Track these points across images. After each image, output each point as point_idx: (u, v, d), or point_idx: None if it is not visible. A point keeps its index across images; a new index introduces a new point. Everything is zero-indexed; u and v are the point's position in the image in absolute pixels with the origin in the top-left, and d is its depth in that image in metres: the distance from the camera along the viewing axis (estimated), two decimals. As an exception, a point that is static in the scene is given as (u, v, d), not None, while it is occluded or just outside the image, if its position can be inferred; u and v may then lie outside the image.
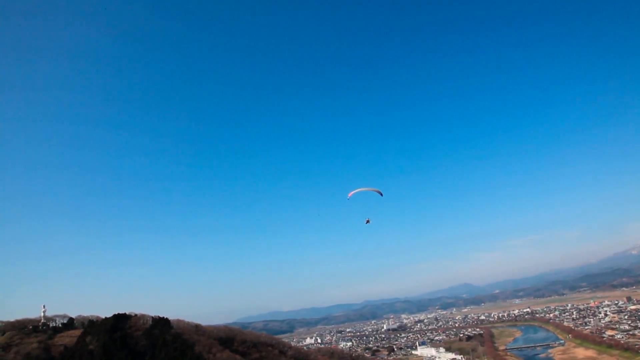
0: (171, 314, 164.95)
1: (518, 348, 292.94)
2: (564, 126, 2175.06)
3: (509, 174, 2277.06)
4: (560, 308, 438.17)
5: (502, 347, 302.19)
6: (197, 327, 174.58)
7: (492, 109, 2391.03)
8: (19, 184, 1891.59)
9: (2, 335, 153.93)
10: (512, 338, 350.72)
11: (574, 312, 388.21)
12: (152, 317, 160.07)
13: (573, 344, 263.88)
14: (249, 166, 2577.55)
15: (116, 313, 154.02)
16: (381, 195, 75.60)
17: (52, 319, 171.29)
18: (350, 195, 74.22)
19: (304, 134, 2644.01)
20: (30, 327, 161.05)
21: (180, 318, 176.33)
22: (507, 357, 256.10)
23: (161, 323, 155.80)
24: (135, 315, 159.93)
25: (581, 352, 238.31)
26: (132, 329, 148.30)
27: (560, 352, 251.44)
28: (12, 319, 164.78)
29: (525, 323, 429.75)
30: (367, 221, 78.66)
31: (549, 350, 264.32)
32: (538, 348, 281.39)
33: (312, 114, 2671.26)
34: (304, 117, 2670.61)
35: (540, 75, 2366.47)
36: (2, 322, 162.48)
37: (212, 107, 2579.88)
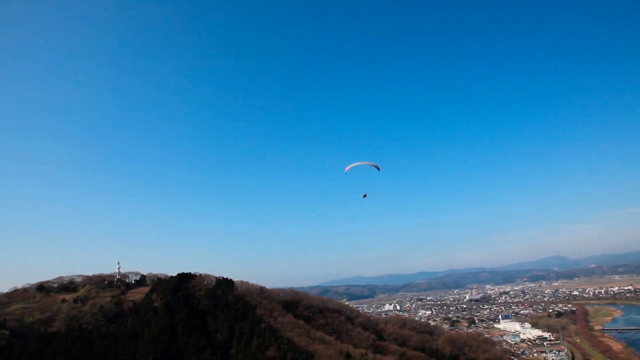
0: (255, 278, 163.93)
1: (618, 330, 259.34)
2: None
3: (609, 137, 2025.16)
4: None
5: (597, 327, 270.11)
6: (262, 290, 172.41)
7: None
8: (107, 150, 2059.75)
9: (82, 288, 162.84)
10: (611, 318, 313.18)
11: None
12: (217, 277, 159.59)
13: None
14: (334, 129, 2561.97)
15: (180, 272, 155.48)
16: (378, 169, 74.74)
17: (126, 275, 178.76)
18: (347, 169, 74.56)
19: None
20: (106, 282, 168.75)
21: (244, 279, 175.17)
22: (604, 339, 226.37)
23: (224, 284, 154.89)
24: (200, 275, 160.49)
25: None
26: (196, 288, 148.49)
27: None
28: (90, 274, 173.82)
29: (627, 302, 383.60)
30: (365, 195, 77.85)
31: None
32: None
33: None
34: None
35: None
36: (82, 276, 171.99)
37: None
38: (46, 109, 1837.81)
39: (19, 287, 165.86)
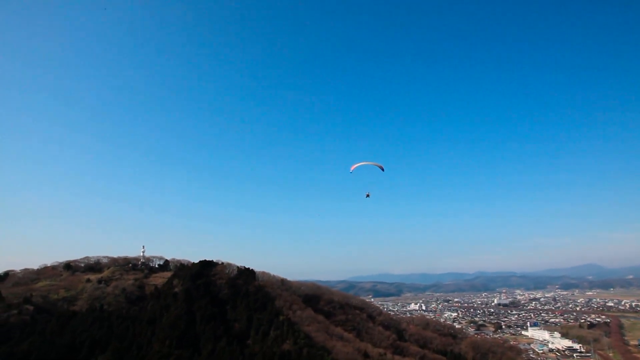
0: (279, 270, 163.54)
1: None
2: None
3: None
4: None
5: (633, 342, 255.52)
6: (283, 282, 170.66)
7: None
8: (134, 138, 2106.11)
9: (107, 269, 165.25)
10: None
11: None
12: (238, 266, 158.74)
13: None
14: (369, 125, 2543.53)
15: (203, 259, 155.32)
16: (382, 170, 74.93)
17: (150, 259, 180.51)
18: (352, 168, 74.74)
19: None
20: (130, 265, 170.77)
21: (267, 270, 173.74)
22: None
23: (245, 273, 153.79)
24: (222, 263, 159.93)
25: None
26: (217, 276, 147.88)
27: None
28: (116, 256, 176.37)
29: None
30: (367, 195, 77.97)
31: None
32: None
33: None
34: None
35: None
36: (107, 257, 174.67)
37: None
38: (77, 97, 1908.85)
39: (48, 265, 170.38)
